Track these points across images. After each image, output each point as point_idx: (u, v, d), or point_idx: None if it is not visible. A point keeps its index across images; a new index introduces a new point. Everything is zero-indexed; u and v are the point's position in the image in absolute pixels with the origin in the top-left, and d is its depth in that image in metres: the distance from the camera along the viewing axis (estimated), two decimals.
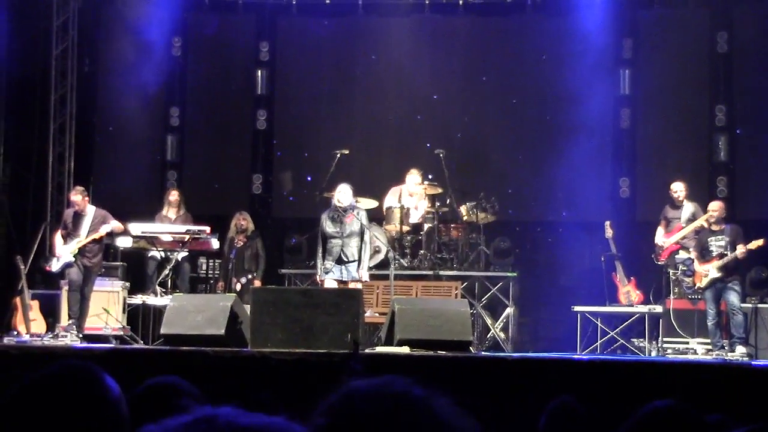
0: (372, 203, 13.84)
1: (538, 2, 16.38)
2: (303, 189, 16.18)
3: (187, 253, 14.08)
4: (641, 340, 13.39)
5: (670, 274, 13.25)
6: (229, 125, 17.05)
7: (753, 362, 10.65)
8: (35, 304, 13.15)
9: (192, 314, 10.58)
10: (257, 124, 16.91)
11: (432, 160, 14.55)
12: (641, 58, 16.26)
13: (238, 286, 13.79)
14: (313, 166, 15.93)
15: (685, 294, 13.07)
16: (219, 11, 17.07)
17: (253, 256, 14.24)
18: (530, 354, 12.29)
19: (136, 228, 13.51)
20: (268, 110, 16.97)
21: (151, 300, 13.62)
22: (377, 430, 1.54)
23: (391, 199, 14.06)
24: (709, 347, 12.29)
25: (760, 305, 12.84)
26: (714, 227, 12.38)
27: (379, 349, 10.71)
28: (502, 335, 13.87)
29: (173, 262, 13.67)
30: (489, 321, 13.91)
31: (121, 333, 13.20)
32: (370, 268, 12.39)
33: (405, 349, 9.92)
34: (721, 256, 12.12)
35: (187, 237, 13.50)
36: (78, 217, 12.65)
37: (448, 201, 14.22)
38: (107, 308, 13.20)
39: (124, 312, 13.64)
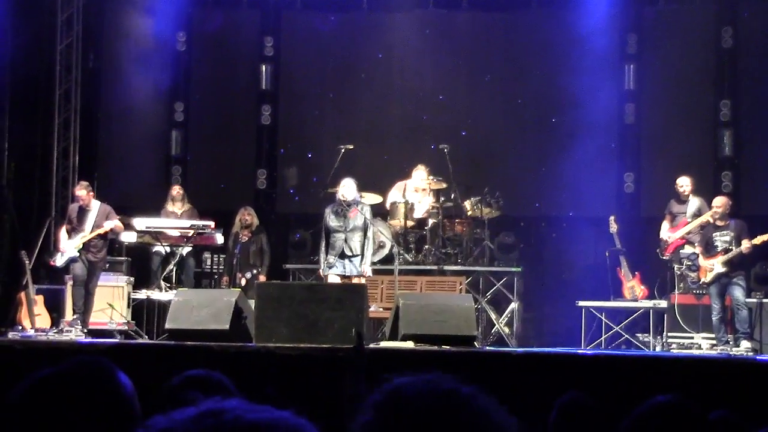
0: (376, 198, 13.84)
1: None
2: (308, 185, 16.19)
3: (191, 248, 14.09)
4: (646, 335, 13.38)
5: (675, 269, 13.24)
6: (234, 120, 17.07)
7: (757, 357, 10.64)
8: (40, 299, 13.15)
9: (196, 309, 10.58)
10: (261, 120, 16.91)
11: (436, 155, 14.54)
12: (646, 54, 16.24)
13: (243, 281, 13.79)
14: (317, 162, 15.93)
15: (689, 289, 13.06)
16: (223, 6, 17.09)
17: (257, 252, 14.24)
18: (535, 349, 12.29)
19: (141, 223, 13.51)
20: (273, 106, 16.97)
21: (156, 295, 13.64)
22: (426, 427, 1.54)
23: (395, 194, 14.06)
24: (714, 342, 12.27)
25: (764, 300, 12.81)
26: (719, 222, 12.35)
27: (384, 344, 10.70)
28: (506, 330, 13.88)
29: (178, 257, 13.68)
30: (493, 316, 13.92)
31: (126, 328, 13.22)
32: (374, 263, 12.39)
33: (409, 344, 9.92)
34: (726, 251, 12.10)
35: (191, 232, 13.51)
36: (82, 212, 12.66)
37: (452, 196, 14.21)
38: (112, 303, 13.22)
39: (128, 307, 13.64)
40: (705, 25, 16.03)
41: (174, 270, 13.70)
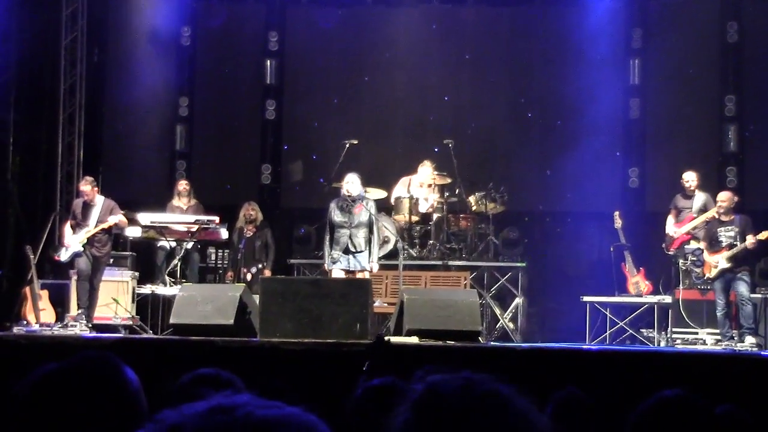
0: (381, 193, 13.84)
1: None
2: (312, 180, 16.18)
3: (196, 243, 14.09)
4: (650, 330, 13.39)
5: (680, 264, 13.22)
6: (238, 115, 17.07)
7: (762, 352, 10.63)
8: (44, 294, 13.17)
9: (201, 304, 10.59)
10: (266, 114, 16.90)
11: (441, 150, 14.54)
12: (651, 48, 16.22)
13: (248, 276, 13.79)
14: (322, 157, 15.92)
15: (694, 284, 13.03)
16: (228, 1, 17.10)
17: (262, 246, 14.24)
18: (539, 344, 12.27)
19: (145, 218, 13.53)
20: (277, 101, 16.96)
21: (160, 290, 13.66)
22: (464, 427, 1.53)
23: (400, 190, 14.06)
24: (719, 338, 12.27)
25: None
26: (723, 217, 12.33)
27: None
28: (510, 325, 13.88)
29: (182, 252, 13.69)
30: (498, 311, 13.92)
31: (130, 323, 13.23)
32: (378, 258, 12.39)
33: (414, 340, 9.92)
34: (731, 246, 12.09)
35: (196, 227, 13.52)
36: (87, 207, 12.66)
37: (457, 191, 14.20)
38: (116, 298, 13.23)
39: (133, 302, 13.66)
40: (710, 20, 16.00)
41: (179, 265, 13.71)
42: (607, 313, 13.52)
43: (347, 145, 13.81)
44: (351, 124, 16.06)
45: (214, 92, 17.08)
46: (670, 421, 2.85)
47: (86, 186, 12.68)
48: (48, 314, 13.09)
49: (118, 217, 12.63)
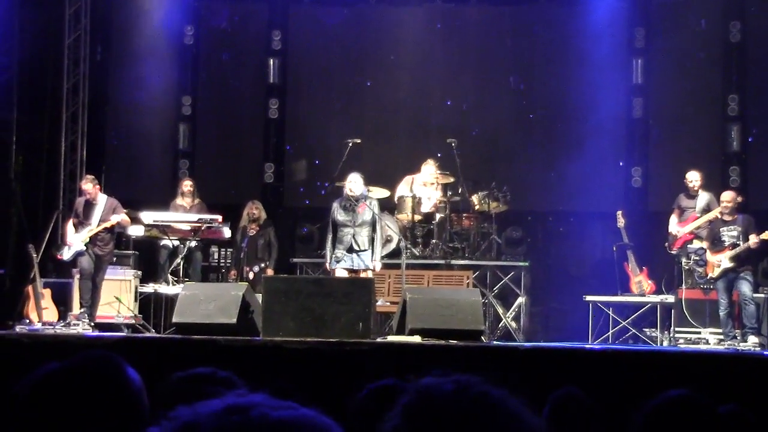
0: (384, 192, 13.83)
1: None
2: (315, 179, 16.19)
3: (198, 242, 14.09)
4: (653, 330, 13.37)
5: (683, 263, 13.20)
6: (241, 114, 17.08)
7: (765, 352, 10.61)
8: (47, 293, 13.16)
9: (204, 303, 10.58)
10: (269, 113, 16.90)
11: (444, 149, 14.53)
12: (654, 48, 16.21)
13: (251, 275, 13.79)
14: (325, 156, 15.92)
15: (697, 284, 13.02)
16: (231, 0, 17.08)
17: (265, 245, 14.24)
18: (542, 344, 12.26)
19: (148, 217, 13.53)
20: (280, 99, 16.96)
21: (163, 289, 13.66)
22: (455, 430, 1.53)
23: (402, 189, 14.05)
24: (721, 337, 12.25)
25: None
26: (726, 217, 12.32)
27: (391, 338, 10.72)
28: (513, 325, 13.87)
29: (185, 250, 13.69)
30: (500, 310, 13.91)
31: (133, 321, 13.23)
32: (381, 258, 12.38)
33: (416, 339, 9.92)
34: (734, 246, 12.08)
35: (199, 226, 13.52)
36: (89, 205, 12.67)
37: (459, 190, 14.19)
38: (119, 297, 13.24)
39: (135, 300, 13.67)
40: (713, 19, 15.98)
41: (181, 264, 13.70)
42: (610, 313, 13.51)
43: (350, 144, 13.81)
44: (354, 123, 16.06)
45: (218, 91, 17.08)
46: (675, 421, 2.85)
47: (87, 184, 12.68)
48: (50, 313, 13.08)
49: (120, 216, 12.64)
